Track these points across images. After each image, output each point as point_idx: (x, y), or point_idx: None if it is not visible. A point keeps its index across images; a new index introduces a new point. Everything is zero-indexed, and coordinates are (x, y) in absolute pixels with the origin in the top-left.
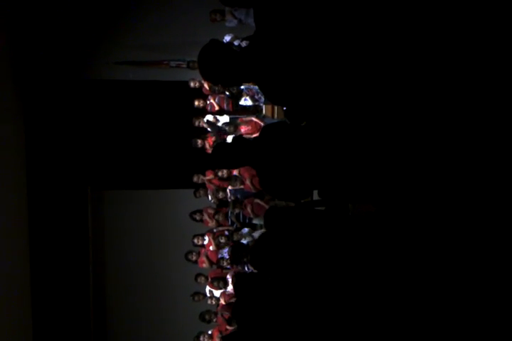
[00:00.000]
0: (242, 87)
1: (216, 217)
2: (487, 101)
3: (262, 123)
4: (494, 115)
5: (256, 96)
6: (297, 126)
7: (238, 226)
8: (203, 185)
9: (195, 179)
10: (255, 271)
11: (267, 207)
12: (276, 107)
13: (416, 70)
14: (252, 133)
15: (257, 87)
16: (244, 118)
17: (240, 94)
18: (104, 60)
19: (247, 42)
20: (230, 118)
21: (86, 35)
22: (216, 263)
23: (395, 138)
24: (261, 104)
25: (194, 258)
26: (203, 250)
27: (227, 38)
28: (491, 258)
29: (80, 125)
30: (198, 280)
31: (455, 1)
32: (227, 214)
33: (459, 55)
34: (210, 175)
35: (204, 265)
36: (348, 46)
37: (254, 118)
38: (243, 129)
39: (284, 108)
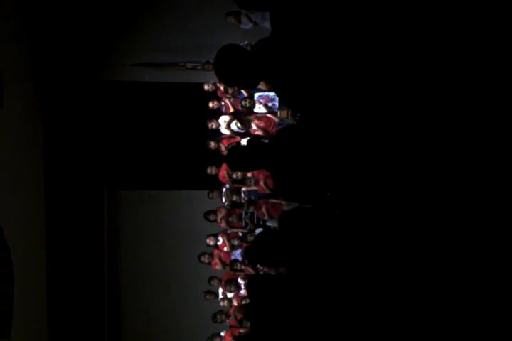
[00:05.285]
0: (256, 96)
1: (230, 218)
2: (489, 101)
3: (275, 119)
4: (496, 115)
5: (269, 104)
6: (312, 129)
7: (252, 227)
8: (217, 186)
9: (208, 170)
10: (268, 271)
11: (283, 203)
12: (290, 112)
13: (428, 75)
14: (264, 129)
15: (271, 94)
16: (258, 114)
17: (253, 106)
18: (121, 61)
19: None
20: None
21: (103, 36)
22: (229, 265)
23: (410, 142)
24: (275, 110)
25: (207, 260)
26: (216, 252)
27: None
28: (498, 261)
29: (96, 126)
30: (212, 283)
31: (455, 1)
32: (240, 215)
33: (458, 55)
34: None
35: (217, 267)
36: (362, 50)
37: (267, 114)
38: (255, 123)
39: (298, 114)
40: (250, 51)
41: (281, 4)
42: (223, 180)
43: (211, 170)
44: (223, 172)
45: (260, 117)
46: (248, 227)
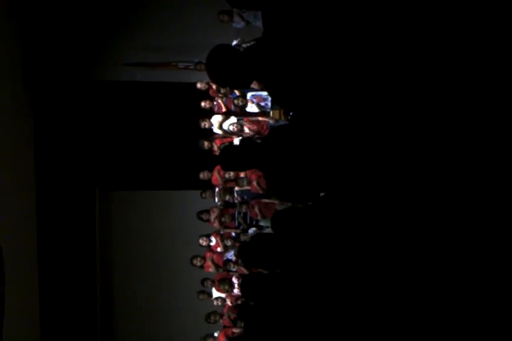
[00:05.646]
0: (249, 95)
1: (223, 218)
2: (488, 102)
3: (268, 120)
4: (495, 115)
5: (262, 103)
6: (304, 129)
7: (245, 227)
8: (210, 186)
9: (201, 176)
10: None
11: (276, 203)
12: (283, 112)
13: (423, 76)
14: (258, 131)
15: (263, 94)
16: (250, 118)
17: (246, 104)
18: (113, 61)
19: (253, 43)
20: (237, 119)
21: (95, 36)
22: (222, 266)
23: (403, 141)
24: (267, 110)
25: (199, 263)
26: (208, 254)
27: (234, 43)
28: (494, 259)
29: (88, 126)
30: (205, 284)
31: (455, 1)
32: (233, 215)
33: (459, 55)
34: (218, 169)
35: (210, 269)
36: (355, 49)
37: (260, 118)
38: (247, 127)
39: (291, 113)
40: (242, 51)
41: (272, 3)
42: (216, 183)
43: (203, 175)
44: (215, 174)
45: (253, 121)
46: (241, 227)
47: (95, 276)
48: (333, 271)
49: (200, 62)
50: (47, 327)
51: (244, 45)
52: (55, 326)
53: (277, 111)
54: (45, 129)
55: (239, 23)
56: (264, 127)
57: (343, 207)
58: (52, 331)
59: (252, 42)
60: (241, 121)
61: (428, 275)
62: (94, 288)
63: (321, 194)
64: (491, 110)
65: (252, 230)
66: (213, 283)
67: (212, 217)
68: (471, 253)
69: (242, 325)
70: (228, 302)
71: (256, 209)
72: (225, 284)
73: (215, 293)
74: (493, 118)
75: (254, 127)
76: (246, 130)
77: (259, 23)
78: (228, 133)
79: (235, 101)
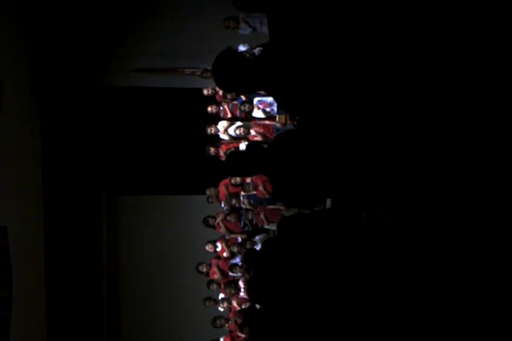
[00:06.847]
0: (255, 101)
1: (228, 218)
2: (490, 102)
3: (274, 124)
4: (498, 116)
5: (268, 109)
6: (310, 134)
7: (251, 229)
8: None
9: (207, 193)
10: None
11: (282, 208)
12: (289, 117)
13: (428, 79)
14: (263, 134)
15: (269, 99)
16: (257, 121)
17: (251, 110)
18: (121, 66)
19: (261, 49)
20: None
21: (102, 42)
22: (229, 270)
23: (409, 147)
24: (273, 115)
25: (205, 269)
26: (213, 261)
27: (242, 49)
28: (506, 270)
29: (95, 131)
30: (211, 287)
31: (455, 1)
32: (240, 216)
33: (459, 55)
34: (225, 184)
35: (216, 276)
36: (361, 55)
37: (267, 121)
38: (254, 130)
39: (296, 118)
40: (249, 57)
41: (278, 6)
42: (223, 198)
43: (210, 192)
44: (222, 188)
45: (259, 124)
46: (247, 228)
47: (102, 280)
48: (339, 277)
49: (206, 70)
50: (53, 332)
51: (251, 52)
52: (62, 332)
53: (283, 117)
54: (52, 134)
55: (245, 30)
56: (271, 130)
57: (349, 214)
58: (58, 337)
59: (259, 49)
60: (247, 124)
61: (436, 280)
62: (101, 291)
63: (327, 199)
64: (492, 112)
65: (258, 236)
66: (219, 287)
67: (218, 220)
68: (478, 259)
69: (248, 330)
70: (235, 304)
71: (262, 216)
72: (231, 288)
73: (221, 295)
74: (495, 121)
75: (261, 130)
76: (252, 132)
77: (265, 29)
78: (234, 139)
79: (241, 107)
